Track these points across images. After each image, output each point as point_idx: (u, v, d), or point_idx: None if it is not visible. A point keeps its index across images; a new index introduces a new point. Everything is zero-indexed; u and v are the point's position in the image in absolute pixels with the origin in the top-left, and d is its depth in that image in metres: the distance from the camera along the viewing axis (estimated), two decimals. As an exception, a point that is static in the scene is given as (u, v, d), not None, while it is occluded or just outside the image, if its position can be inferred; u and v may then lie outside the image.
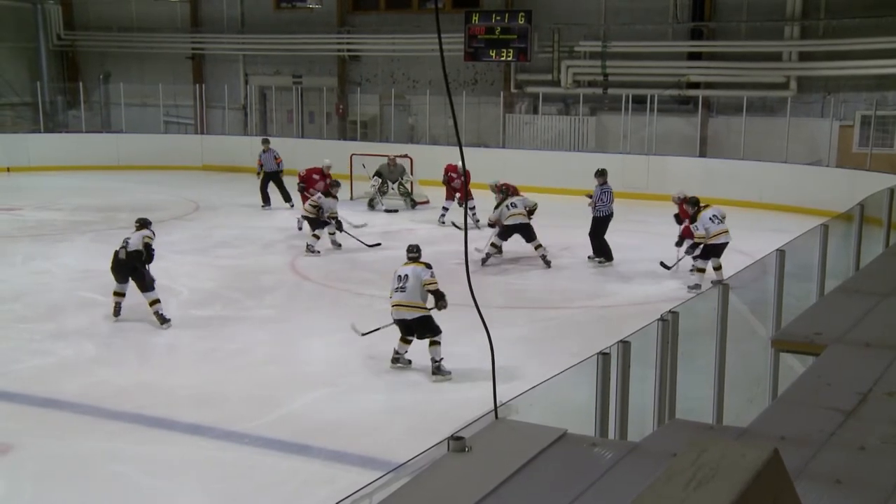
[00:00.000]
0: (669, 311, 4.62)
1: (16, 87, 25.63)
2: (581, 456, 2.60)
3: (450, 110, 3.12)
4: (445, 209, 16.86)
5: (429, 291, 8.64)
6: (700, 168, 19.90)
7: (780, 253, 5.94)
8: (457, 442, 2.58)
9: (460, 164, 16.43)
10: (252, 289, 12.10)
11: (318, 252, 13.99)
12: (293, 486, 6.67)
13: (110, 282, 12.10)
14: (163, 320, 10.13)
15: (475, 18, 21.26)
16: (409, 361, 8.84)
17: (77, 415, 7.86)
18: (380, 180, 18.46)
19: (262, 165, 18.20)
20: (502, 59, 21.48)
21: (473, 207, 15.93)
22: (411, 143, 22.44)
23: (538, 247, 13.22)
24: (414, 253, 9.14)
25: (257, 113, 26.42)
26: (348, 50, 24.76)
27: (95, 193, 19.83)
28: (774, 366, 5.23)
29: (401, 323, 8.68)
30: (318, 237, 14.08)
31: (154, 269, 12.82)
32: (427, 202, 18.83)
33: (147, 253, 10.20)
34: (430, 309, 8.68)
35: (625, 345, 4.57)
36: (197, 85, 26.04)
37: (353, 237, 14.46)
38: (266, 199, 18.27)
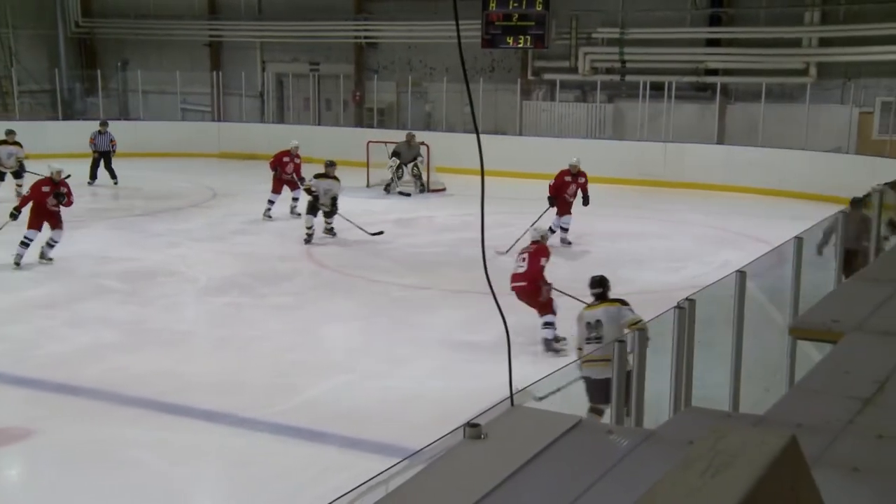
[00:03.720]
0: (686, 298, 4.60)
1: (34, 75, 25.74)
2: (597, 443, 2.60)
3: (467, 98, 3.10)
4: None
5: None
6: (718, 155, 19.77)
7: (798, 240, 5.89)
8: (473, 429, 2.58)
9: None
10: (269, 276, 12.13)
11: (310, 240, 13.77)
12: (310, 472, 6.71)
13: (130, 269, 12.21)
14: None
15: (493, 4, 21.14)
16: None
17: (95, 401, 7.93)
18: (398, 161, 18.46)
19: (95, 144, 19.66)
20: (519, 45, 21.36)
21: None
22: (428, 130, 22.38)
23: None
24: (598, 288, 7.43)
25: (274, 100, 26.44)
26: (365, 37, 24.72)
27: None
28: (792, 354, 5.20)
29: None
30: (309, 229, 13.75)
31: (172, 255, 12.92)
32: (443, 189, 18.83)
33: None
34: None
35: (641, 332, 4.57)
36: (214, 72, 26.08)
37: (355, 225, 13.98)
38: (93, 176, 19.49)
